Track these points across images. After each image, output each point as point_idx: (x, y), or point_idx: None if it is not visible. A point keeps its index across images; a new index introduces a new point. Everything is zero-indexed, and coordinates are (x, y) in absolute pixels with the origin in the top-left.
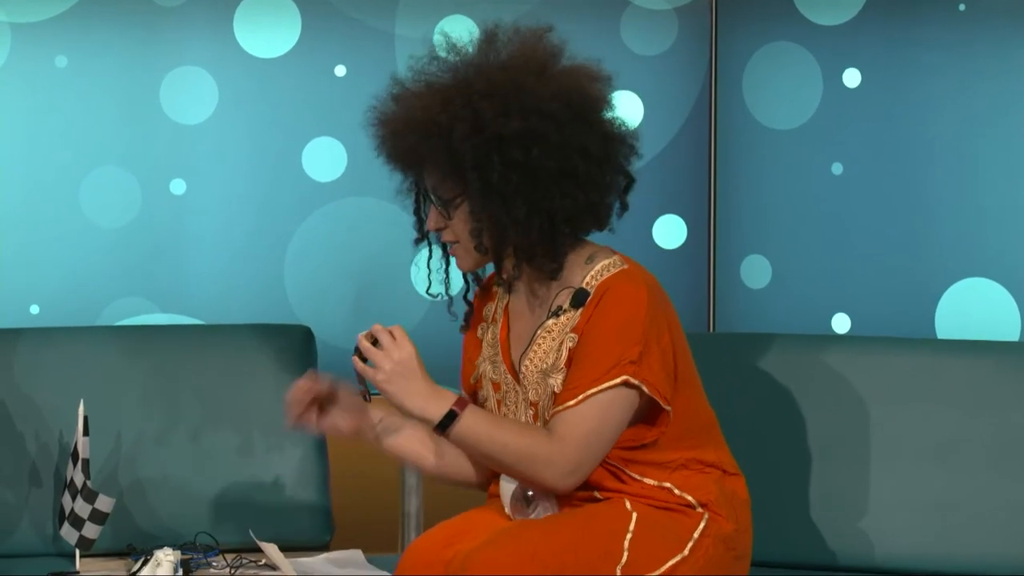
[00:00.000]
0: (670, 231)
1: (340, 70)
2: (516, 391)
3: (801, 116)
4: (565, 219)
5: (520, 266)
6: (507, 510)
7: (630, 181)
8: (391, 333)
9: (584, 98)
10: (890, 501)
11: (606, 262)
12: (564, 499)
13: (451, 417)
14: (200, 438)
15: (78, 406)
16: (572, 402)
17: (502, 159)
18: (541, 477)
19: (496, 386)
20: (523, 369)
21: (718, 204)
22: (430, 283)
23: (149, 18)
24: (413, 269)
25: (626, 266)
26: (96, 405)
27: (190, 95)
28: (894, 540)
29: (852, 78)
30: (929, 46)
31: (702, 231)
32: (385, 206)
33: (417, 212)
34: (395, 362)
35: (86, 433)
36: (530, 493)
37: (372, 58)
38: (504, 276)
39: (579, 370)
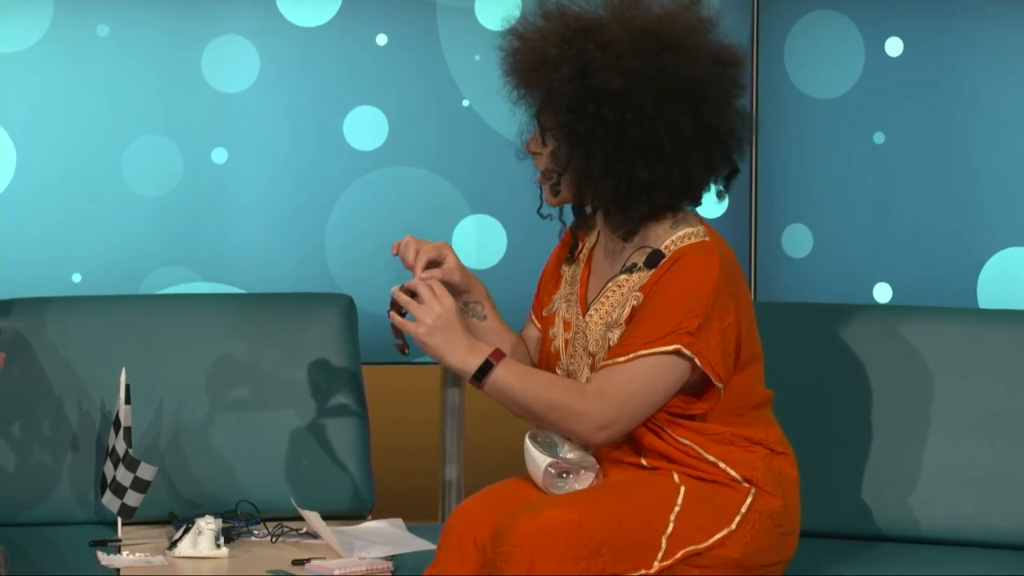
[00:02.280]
0: (711, 200)
1: (381, 39)
2: (585, 334)
3: (843, 85)
4: (642, 188)
5: (596, 215)
6: (539, 484)
7: (733, 171)
8: (430, 287)
9: (695, 80)
10: (933, 471)
11: (689, 230)
12: (609, 468)
13: (487, 368)
14: (241, 407)
15: (120, 375)
16: (622, 359)
17: (595, 112)
18: (574, 429)
19: (567, 325)
20: (588, 318)
21: (759, 173)
22: (542, 202)
23: None
24: (454, 241)
25: (707, 238)
26: (138, 374)
27: (231, 64)
28: (937, 511)
29: (894, 47)
30: (972, 15)
31: (743, 200)
32: (426, 175)
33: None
34: (436, 316)
35: (128, 401)
36: (565, 474)
37: (414, 27)
38: (585, 217)
39: (635, 330)
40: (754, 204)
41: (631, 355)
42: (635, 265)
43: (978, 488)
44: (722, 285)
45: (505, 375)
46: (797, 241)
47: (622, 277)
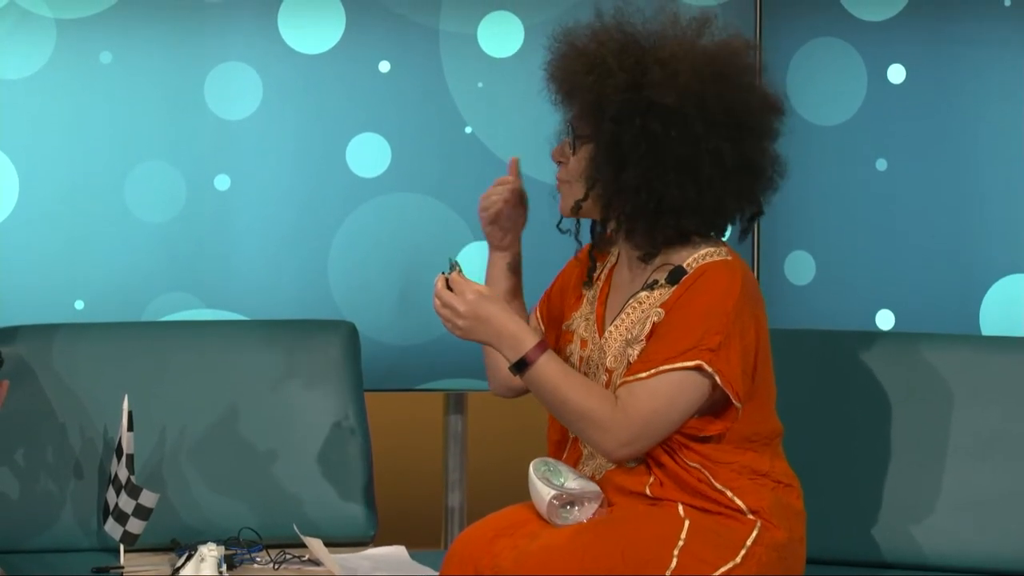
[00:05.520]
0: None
1: (384, 66)
2: (601, 352)
3: (846, 112)
4: (671, 210)
5: (620, 232)
6: (543, 514)
7: (757, 212)
8: (447, 285)
9: (745, 113)
10: (936, 498)
11: (712, 250)
12: (614, 496)
13: (524, 364)
14: (244, 433)
15: (122, 401)
16: (644, 375)
17: (641, 124)
18: (597, 441)
19: (583, 343)
20: (607, 335)
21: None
22: (562, 216)
23: (193, 14)
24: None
25: (730, 258)
26: (140, 400)
27: (234, 91)
28: (941, 537)
29: (897, 74)
30: (974, 42)
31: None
32: (429, 201)
33: None
34: (466, 307)
35: (130, 428)
36: (570, 505)
37: (416, 54)
38: (608, 235)
39: (656, 345)
40: (757, 231)
41: (652, 371)
42: (656, 282)
43: (981, 515)
44: (743, 303)
45: (540, 374)
46: (800, 268)
47: (643, 294)
